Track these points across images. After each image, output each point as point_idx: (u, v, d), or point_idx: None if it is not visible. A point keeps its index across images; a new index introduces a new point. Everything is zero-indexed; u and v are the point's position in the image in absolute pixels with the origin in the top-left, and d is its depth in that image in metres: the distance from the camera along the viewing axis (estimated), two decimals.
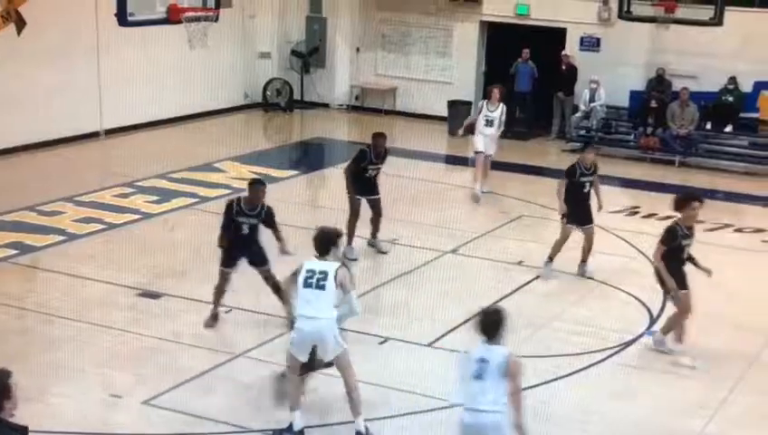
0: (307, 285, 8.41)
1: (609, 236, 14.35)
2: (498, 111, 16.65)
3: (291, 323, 8.80)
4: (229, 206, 10.83)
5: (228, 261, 10.82)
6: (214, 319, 10.90)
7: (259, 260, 10.84)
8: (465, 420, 7.26)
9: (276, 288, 10.56)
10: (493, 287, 12.33)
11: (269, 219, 10.80)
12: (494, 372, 7.14)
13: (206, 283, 11.11)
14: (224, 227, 10.80)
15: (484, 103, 16.92)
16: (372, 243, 13.80)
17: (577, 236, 12.99)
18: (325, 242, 8.66)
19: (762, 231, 15.65)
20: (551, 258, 12.90)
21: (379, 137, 13.53)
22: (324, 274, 8.41)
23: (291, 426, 8.60)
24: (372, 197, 13.52)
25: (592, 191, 13.06)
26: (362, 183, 13.35)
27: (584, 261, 13.01)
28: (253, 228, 10.76)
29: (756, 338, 11.31)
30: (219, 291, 10.89)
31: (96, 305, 11.34)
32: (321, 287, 8.37)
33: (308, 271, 8.45)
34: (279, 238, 10.84)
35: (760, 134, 20.37)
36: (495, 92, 16.79)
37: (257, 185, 10.89)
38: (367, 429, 8.62)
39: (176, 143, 19.82)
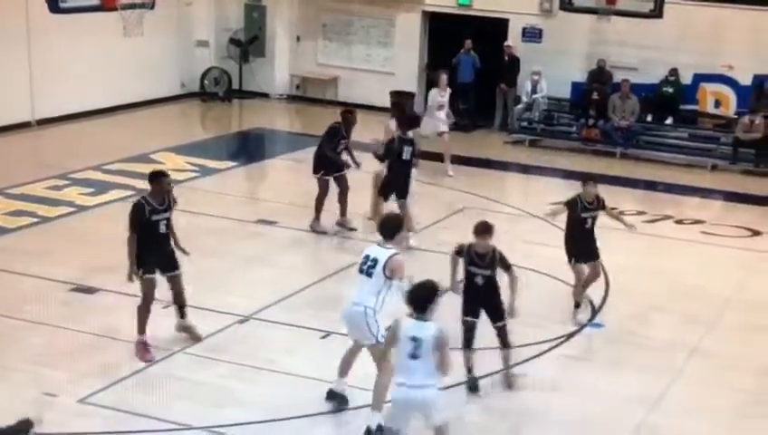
0: (360, 271, 8.82)
1: (550, 227, 14.43)
2: (447, 97, 18.03)
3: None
4: (140, 206, 9.85)
5: (150, 267, 9.93)
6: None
7: (173, 264, 10.18)
8: (402, 395, 7.56)
9: (179, 295, 10.22)
10: (439, 279, 12.30)
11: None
12: (428, 350, 7.44)
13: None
14: (135, 230, 9.83)
15: (436, 91, 18.11)
16: (341, 222, 14.21)
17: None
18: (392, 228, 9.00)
19: (701, 222, 15.90)
20: (577, 305, 11.67)
21: (349, 113, 14.30)
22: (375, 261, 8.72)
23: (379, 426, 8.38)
24: (340, 174, 14.09)
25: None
26: (331, 161, 13.96)
27: (577, 306, 11.71)
28: (168, 225, 10.07)
29: (697, 328, 11.50)
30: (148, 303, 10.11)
31: (29, 301, 11.14)
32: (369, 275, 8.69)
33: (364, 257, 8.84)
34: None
35: (699, 126, 20.70)
36: (444, 78, 18.09)
37: (161, 177, 10.06)
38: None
39: (110, 134, 19.52)
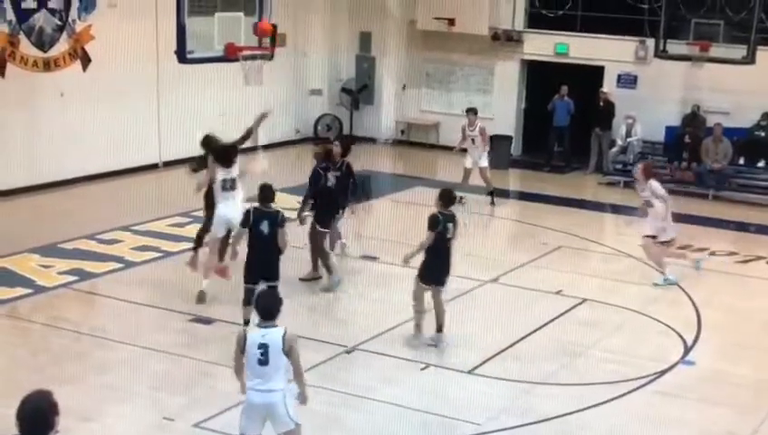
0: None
1: (645, 267, 14.11)
2: (476, 130, 17.84)
3: None
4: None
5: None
6: None
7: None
8: (254, 399, 7.43)
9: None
10: (532, 316, 12.16)
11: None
12: (276, 354, 7.29)
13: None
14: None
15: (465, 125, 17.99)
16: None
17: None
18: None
19: None
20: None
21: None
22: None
23: None
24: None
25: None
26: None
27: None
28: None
29: None
30: None
31: (150, 330, 11.32)
32: None
33: None
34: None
35: None
36: (472, 118, 17.96)
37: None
38: None
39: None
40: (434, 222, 10.76)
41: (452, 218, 10.93)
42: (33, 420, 5.01)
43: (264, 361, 7.28)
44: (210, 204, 12.54)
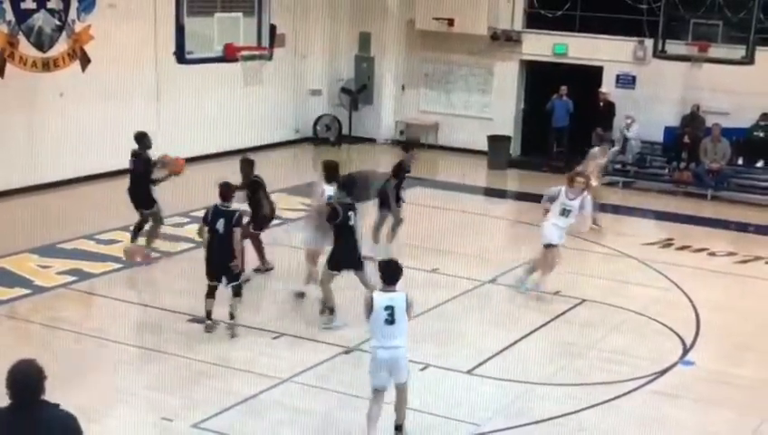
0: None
1: (644, 268, 14.11)
2: (578, 202, 12.84)
3: None
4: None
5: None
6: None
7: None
8: (382, 356, 8.43)
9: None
10: (530, 316, 12.15)
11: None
12: (400, 314, 8.38)
13: (258, 311, 11.07)
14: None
15: (563, 190, 12.86)
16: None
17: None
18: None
19: None
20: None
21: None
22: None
23: None
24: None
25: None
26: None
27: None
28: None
29: None
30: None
31: (149, 330, 11.31)
32: None
33: None
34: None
35: None
36: (580, 181, 13.01)
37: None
38: None
39: (229, 175, 19.71)
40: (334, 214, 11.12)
41: (352, 207, 11.29)
42: (23, 386, 5.16)
43: (390, 320, 8.35)
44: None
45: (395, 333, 8.39)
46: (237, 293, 11.03)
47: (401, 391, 8.65)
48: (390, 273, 8.48)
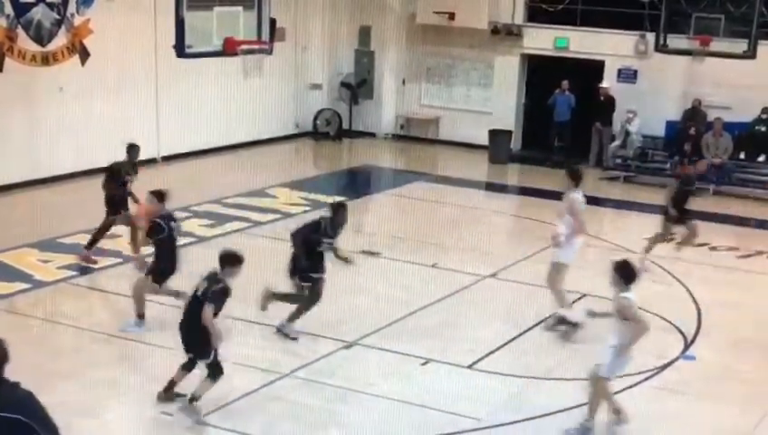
0: None
1: (645, 262, 14.07)
2: None
3: None
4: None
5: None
6: None
7: None
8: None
9: None
10: (531, 311, 12.14)
11: None
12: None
13: (255, 305, 11.05)
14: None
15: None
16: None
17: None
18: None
19: None
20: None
21: (342, 208, 11.29)
22: None
23: None
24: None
25: None
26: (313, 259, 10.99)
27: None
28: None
29: None
30: None
31: (149, 325, 11.28)
32: None
33: None
34: None
35: None
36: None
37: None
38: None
39: (229, 170, 19.85)
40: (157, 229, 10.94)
41: (172, 218, 11.28)
42: None
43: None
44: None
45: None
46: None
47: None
48: (628, 274, 8.82)
